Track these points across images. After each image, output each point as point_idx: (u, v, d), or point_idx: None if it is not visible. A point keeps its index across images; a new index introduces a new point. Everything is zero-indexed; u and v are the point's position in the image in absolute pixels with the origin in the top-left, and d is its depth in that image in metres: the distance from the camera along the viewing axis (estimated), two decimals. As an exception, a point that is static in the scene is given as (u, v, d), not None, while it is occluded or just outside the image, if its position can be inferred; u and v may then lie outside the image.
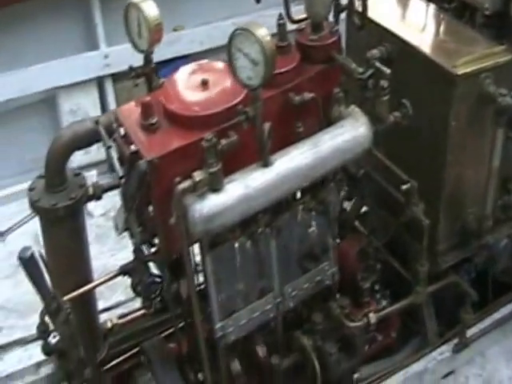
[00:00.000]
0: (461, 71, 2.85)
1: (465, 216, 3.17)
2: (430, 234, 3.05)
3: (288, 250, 2.80)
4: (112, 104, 5.29)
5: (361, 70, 2.60)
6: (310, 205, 2.77)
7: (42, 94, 5.16)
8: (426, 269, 3.09)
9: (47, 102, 5.23)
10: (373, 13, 3.00)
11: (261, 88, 2.31)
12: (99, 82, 5.27)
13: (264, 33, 2.22)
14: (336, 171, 2.76)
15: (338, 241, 3.02)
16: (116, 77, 5.25)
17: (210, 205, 2.34)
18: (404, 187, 2.97)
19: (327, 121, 2.64)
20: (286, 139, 2.54)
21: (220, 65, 2.62)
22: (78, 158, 4.21)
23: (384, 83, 2.62)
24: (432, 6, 3.30)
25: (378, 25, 3.15)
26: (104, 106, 5.31)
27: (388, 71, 2.62)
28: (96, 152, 4.28)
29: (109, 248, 4.35)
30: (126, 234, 2.61)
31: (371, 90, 2.63)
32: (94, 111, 5.20)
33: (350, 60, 2.65)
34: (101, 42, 5.16)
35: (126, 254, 2.73)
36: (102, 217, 4.63)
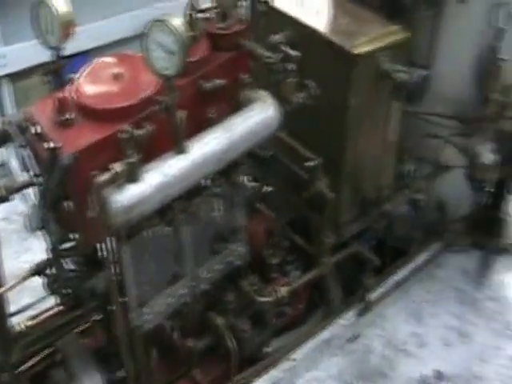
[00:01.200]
0: (359, 51, 2.96)
1: (364, 187, 3.31)
2: (334, 207, 3.18)
3: (201, 233, 2.83)
4: (10, 104, 5.11)
5: (268, 54, 2.66)
6: (221, 188, 2.81)
7: None
8: (331, 240, 3.22)
9: None
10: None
11: (175, 77, 2.33)
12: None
13: (179, 23, 2.24)
14: (247, 153, 2.82)
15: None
16: (14, 77, 5.05)
17: (129, 195, 2.34)
18: (308, 164, 3.07)
19: (238, 105, 2.68)
20: (200, 125, 2.57)
21: (132, 56, 2.60)
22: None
23: (292, 66, 2.69)
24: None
25: (279, 11, 3.21)
26: (1, 107, 5.12)
27: (295, 54, 2.69)
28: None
29: (13, 251, 4.23)
30: (29, 236, 2.56)
31: (279, 73, 2.70)
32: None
33: (257, 46, 2.70)
34: (-3, 41, 4.97)
35: (30, 257, 2.68)
36: (3, 221, 4.50)
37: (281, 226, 3.37)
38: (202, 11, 2.75)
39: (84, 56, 4.81)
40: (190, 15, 2.59)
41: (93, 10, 5.03)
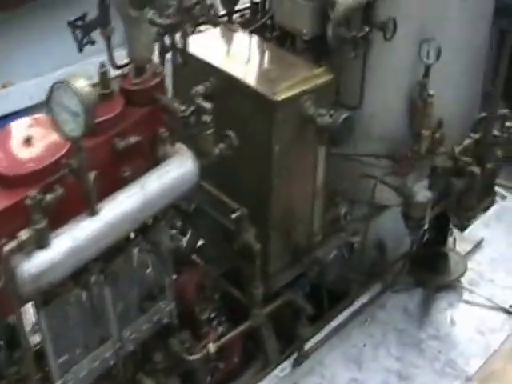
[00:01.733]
0: (280, 97, 2.90)
1: (295, 234, 3.23)
2: (263, 257, 3.11)
3: (124, 293, 2.74)
4: None
5: (183, 108, 2.59)
6: (142, 246, 2.73)
7: None
8: (260, 291, 3.14)
9: None
10: (198, 49, 3.07)
11: (82, 139, 2.25)
12: None
13: (82, 84, 2.16)
14: (166, 210, 2.74)
15: (174, 276, 3.00)
16: None
17: (37, 263, 2.25)
18: (234, 215, 3.00)
19: (156, 161, 2.61)
20: (116, 184, 2.49)
21: (44, 119, 2.51)
22: None
23: (206, 118, 2.63)
24: (255, 37, 3.33)
25: (202, 61, 3.13)
26: None
27: (209, 106, 2.64)
28: None
29: None
30: None
31: (195, 126, 2.64)
32: None
33: (172, 99, 2.67)
34: None
35: None
36: None
37: (214, 278, 3.30)
38: (118, 67, 2.70)
39: (16, 116, 4.72)
40: (102, 73, 2.53)
41: (26, 66, 4.97)
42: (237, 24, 3.43)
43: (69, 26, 2.51)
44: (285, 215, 3.15)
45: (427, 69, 3.26)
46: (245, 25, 3.47)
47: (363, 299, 3.86)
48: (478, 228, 4.45)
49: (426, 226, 3.50)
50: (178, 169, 2.63)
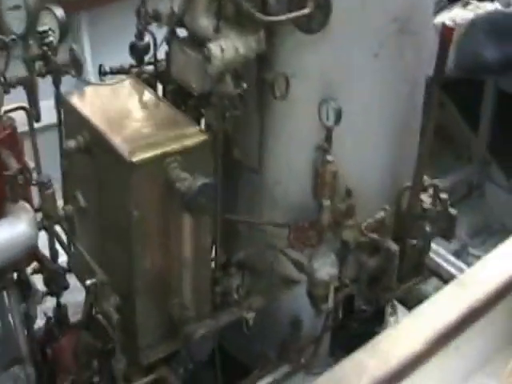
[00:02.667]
0: (137, 157, 2.65)
1: (167, 307, 2.94)
2: (131, 329, 2.85)
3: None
4: None
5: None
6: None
7: None
8: (121, 365, 2.87)
9: None
10: (81, 100, 2.96)
11: None
12: None
13: None
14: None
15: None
16: None
17: None
18: (88, 282, 2.77)
19: None
20: None
21: None
22: None
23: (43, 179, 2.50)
24: (152, 93, 3.10)
25: (79, 113, 2.92)
26: None
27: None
28: None
29: None
30: None
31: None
32: None
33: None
34: None
35: None
36: None
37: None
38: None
39: None
40: None
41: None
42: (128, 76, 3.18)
43: None
44: (153, 286, 2.87)
45: (328, 132, 2.92)
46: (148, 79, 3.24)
47: (268, 379, 3.47)
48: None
49: (330, 307, 3.11)
50: (7, 230, 2.45)
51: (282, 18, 2.71)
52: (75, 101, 2.97)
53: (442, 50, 2.91)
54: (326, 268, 3.05)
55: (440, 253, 4.49)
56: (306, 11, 2.69)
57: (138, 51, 3.25)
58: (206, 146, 2.79)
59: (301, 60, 2.89)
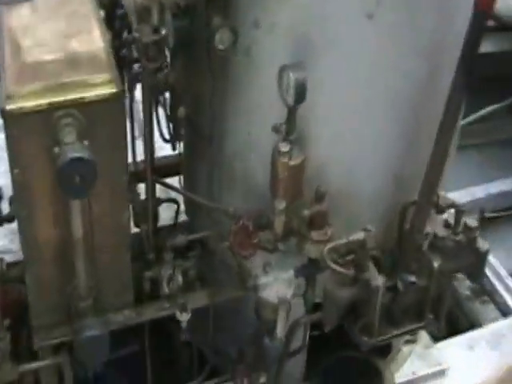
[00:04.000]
0: (14, 105, 2.05)
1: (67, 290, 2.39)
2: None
3: None
4: None
5: None
6: None
7: None
8: (4, 344, 2.41)
9: None
10: None
11: None
12: None
13: None
14: None
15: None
16: None
17: None
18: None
19: None
20: None
21: None
22: None
23: None
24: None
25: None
26: None
27: None
28: None
29: None
30: None
31: None
32: None
33: None
34: None
35: None
36: None
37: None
38: None
39: None
40: None
41: None
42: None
43: None
44: (46, 261, 2.33)
45: (290, 112, 2.09)
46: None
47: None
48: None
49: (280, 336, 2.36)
50: None
51: None
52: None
53: (476, 18, 1.91)
54: (276, 286, 2.29)
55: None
56: None
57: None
58: (118, 102, 2.13)
59: (266, 4, 2.07)
